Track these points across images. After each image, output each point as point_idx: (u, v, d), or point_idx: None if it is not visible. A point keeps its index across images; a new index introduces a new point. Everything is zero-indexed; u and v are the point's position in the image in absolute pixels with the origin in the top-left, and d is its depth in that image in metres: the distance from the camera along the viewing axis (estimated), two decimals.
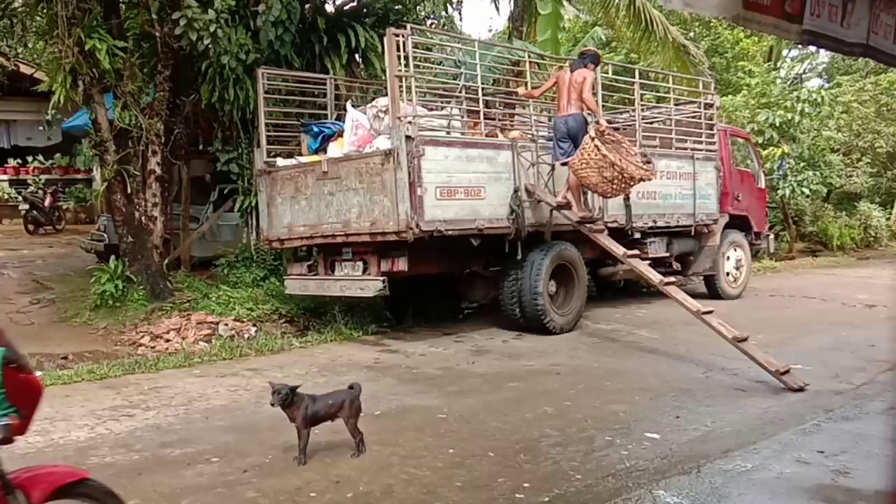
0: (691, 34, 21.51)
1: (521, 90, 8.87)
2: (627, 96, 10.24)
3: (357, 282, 8.06)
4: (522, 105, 9.48)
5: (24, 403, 2.40)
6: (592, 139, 7.64)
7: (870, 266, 16.85)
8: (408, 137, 7.26)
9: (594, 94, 8.32)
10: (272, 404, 4.32)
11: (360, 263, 8.16)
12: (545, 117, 9.98)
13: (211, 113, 10.51)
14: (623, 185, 7.89)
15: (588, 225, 8.30)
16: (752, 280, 12.20)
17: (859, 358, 7.05)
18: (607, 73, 9.30)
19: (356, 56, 11.10)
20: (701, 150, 10.56)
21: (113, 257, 9.74)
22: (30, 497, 2.33)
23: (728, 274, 11.29)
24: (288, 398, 4.28)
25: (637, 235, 9.52)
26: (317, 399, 4.37)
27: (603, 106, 8.89)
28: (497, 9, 14.81)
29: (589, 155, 7.66)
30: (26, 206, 15.40)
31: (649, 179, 8.14)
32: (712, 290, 11.15)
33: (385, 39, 7.49)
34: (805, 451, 4.42)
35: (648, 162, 8.15)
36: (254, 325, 8.77)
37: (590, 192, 8.43)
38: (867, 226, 20.34)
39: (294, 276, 8.89)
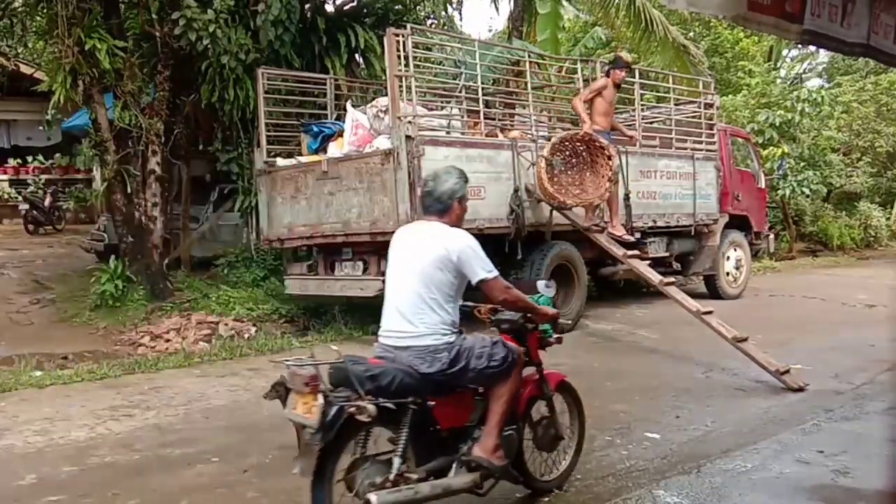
0: (691, 34, 21.50)
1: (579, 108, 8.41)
2: (627, 96, 10.24)
3: (357, 282, 8.06)
4: (522, 105, 9.48)
5: (554, 328, 3.73)
6: (542, 157, 7.70)
7: (870, 266, 16.85)
8: (408, 137, 7.26)
9: (600, 100, 8.31)
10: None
11: (360, 263, 8.16)
12: (545, 117, 9.98)
13: (211, 113, 10.51)
14: (560, 204, 7.97)
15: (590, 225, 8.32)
16: (752, 280, 12.20)
17: (859, 358, 7.05)
18: (606, 70, 9.27)
19: (356, 56, 11.10)
20: (701, 150, 10.55)
21: (113, 257, 9.74)
22: (549, 386, 3.76)
23: (728, 274, 11.28)
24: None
25: (637, 235, 9.52)
26: None
27: None
28: (497, 9, 14.85)
29: (538, 170, 7.80)
30: (26, 206, 15.40)
31: (592, 203, 8.15)
32: (712, 290, 11.15)
33: (385, 39, 7.50)
34: (805, 451, 4.42)
35: (614, 181, 8.11)
36: (254, 324, 8.77)
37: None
38: (867, 226, 20.32)
39: (294, 276, 8.89)
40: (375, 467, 3.04)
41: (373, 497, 2.89)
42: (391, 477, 2.99)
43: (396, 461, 3.03)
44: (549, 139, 8.62)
